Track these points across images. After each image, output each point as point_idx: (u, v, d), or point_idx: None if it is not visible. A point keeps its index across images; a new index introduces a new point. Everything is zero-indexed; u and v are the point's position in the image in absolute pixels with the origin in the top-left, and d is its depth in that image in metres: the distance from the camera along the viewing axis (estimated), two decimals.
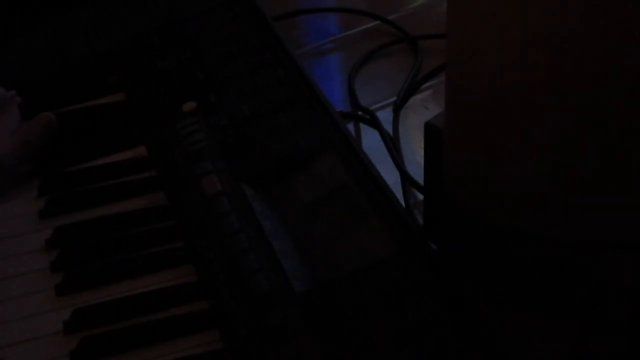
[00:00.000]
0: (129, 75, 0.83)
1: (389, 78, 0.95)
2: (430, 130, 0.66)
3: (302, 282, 0.59)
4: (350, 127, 0.89)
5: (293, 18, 1.07)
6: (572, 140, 0.55)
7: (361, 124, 0.89)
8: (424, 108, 0.91)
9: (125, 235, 0.68)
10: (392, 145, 0.83)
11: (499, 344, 0.53)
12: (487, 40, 0.56)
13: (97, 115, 0.81)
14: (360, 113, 0.90)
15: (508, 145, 0.59)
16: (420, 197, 0.79)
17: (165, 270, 0.64)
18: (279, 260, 0.61)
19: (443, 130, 0.64)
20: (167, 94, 0.79)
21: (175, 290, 0.63)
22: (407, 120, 0.89)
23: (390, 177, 0.78)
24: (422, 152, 0.71)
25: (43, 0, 0.91)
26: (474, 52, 0.57)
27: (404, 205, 0.75)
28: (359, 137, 0.88)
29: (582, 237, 0.59)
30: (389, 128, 0.87)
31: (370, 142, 0.86)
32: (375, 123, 0.87)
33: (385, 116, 0.89)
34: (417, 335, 0.54)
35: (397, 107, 0.90)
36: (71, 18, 0.90)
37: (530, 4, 0.52)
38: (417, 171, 0.78)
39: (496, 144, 0.60)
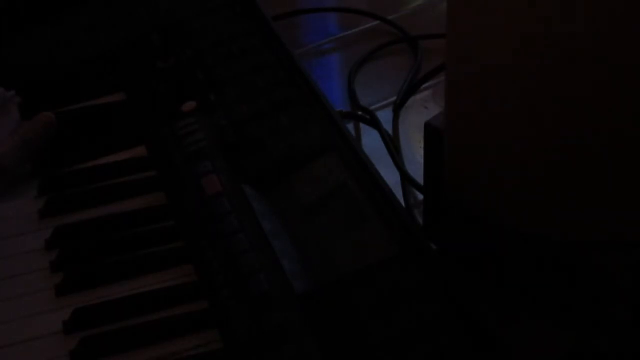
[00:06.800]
0: (129, 75, 0.83)
1: (389, 78, 0.95)
2: (430, 130, 0.66)
3: (302, 282, 0.59)
4: (350, 127, 0.88)
5: (293, 18, 1.06)
6: (571, 140, 0.55)
7: (361, 124, 0.89)
8: (424, 108, 0.91)
9: (125, 235, 0.68)
10: (392, 145, 0.83)
11: (499, 343, 0.53)
12: (486, 40, 0.56)
13: (97, 115, 0.81)
14: (360, 113, 0.90)
15: (508, 145, 0.59)
16: (420, 197, 0.79)
17: (165, 270, 0.64)
18: (279, 260, 0.61)
19: (443, 130, 0.64)
20: (167, 94, 0.79)
21: (175, 290, 0.63)
22: (407, 120, 0.89)
23: (390, 177, 0.78)
24: (422, 152, 0.71)
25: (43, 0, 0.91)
26: (473, 52, 0.57)
27: (404, 205, 0.75)
28: (359, 137, 0.88)
29: (582, 237, 0.59)
30: (389, 128, 0.87)
31: (370, 142, 0.86)
32: (375, 123, 0.87)
33: (385, 116, 0.89)
34: (418, 335, 0.54)
35: (397, 107, 0.90)
36: (71, 18, 0.90)
37: (529, 3, 0.52)
38: (417, 171, 0.78)
39: (496, 144, 0.60)
